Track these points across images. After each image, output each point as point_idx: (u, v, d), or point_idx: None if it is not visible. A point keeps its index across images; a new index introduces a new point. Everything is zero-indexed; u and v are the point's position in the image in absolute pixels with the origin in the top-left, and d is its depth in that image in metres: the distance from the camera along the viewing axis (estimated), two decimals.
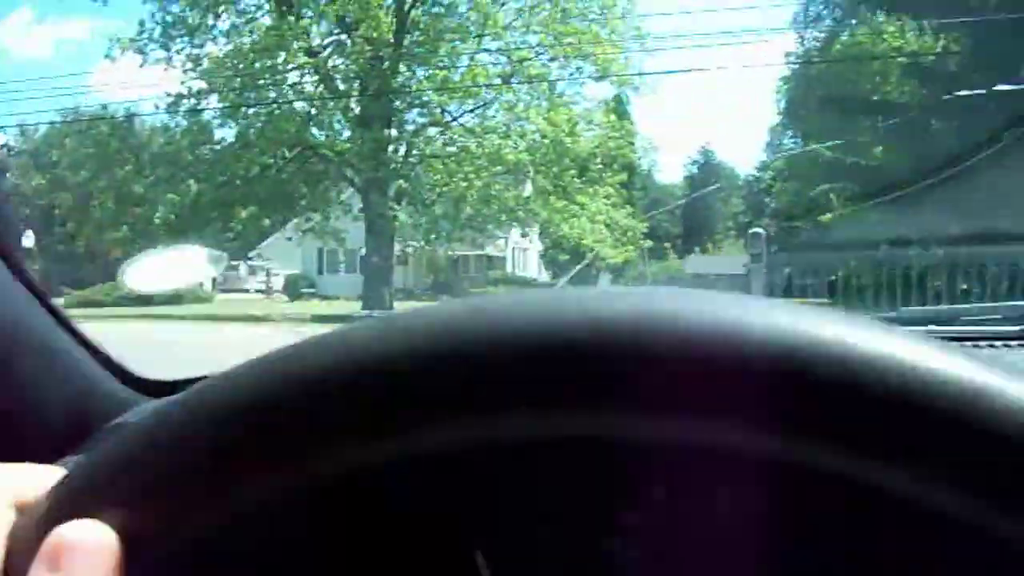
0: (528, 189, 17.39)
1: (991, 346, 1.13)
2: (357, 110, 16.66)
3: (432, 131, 17.33)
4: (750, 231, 13.11)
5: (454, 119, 17.09)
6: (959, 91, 11.99)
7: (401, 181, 16.57)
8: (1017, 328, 1.18)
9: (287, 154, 16.74)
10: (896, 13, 14.53)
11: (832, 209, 15.95)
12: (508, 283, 22.24)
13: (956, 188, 11.35)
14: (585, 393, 0.32)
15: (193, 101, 16.76)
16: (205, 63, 16.70)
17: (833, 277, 11.92)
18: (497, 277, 23.37)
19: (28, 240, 13.67)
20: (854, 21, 17.15)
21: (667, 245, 38.29)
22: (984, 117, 11.46)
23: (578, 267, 13.32)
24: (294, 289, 21.40)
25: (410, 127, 17.17)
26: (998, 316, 1.41)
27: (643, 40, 17.01)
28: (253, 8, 16.89)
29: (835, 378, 0.31)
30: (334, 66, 16.98)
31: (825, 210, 16.48)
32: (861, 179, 14.36)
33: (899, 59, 15.49)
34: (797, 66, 21.80)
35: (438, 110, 16.94)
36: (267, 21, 16.57)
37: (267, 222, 18.92)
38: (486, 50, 16.96)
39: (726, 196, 40.76)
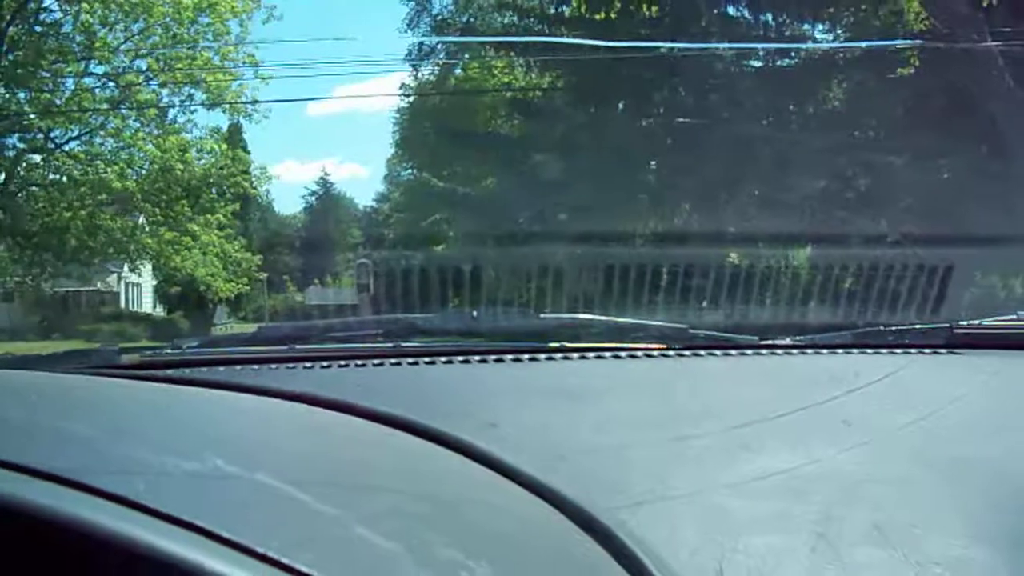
0: (140, 220, 16.73)
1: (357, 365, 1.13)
2: None
3: (34, 158, 16.37)
4: (357, 262, 13.03)
5: (58, 146, 16.17)
6: (562, 126, 12.45)
7: None
8: (390, 345, 1.21)
9: None
10: (504, 50, 14.93)
11: (445, 239, 16.02)
12: (121, 319, 21.35)
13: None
14: None
15: None
16: None
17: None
18: (109, 313, 22.45)
19: None
20: (467, 56, 17.47)
21: (286, 277, 37.41)
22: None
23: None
24: None
25: (10, 153, 16.08)
26: (378, 331, 1.38)
27: (257, 68, 16.43)
28: None
29: None
30: None
31: (438, 240, 16.51)
32: (472, 209, 14.47)
33: (508, 94, 15.96)
34: (412, 99, 21.95)
35: (40, 136, 15.92)
36: None
37: None
38: (93, 74, 16.14)
39: (345, 228, 40.51)
